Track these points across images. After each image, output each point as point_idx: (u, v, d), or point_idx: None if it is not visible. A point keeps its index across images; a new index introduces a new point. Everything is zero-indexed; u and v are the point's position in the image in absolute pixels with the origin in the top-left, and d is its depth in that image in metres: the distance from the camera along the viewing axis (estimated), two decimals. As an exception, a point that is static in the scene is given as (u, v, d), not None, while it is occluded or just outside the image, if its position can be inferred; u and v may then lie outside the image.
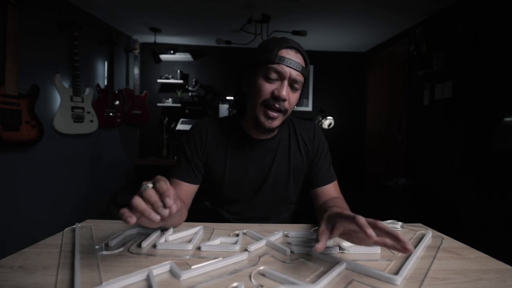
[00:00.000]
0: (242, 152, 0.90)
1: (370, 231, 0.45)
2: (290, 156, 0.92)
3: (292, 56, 0.77)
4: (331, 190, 0.91)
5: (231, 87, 3.90)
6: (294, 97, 0.81)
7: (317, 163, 0.93)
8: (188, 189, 0.86)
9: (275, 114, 0.80)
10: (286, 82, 0.77)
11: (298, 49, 0.79)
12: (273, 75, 0.77)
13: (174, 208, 0.49)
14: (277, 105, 0.78)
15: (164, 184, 0.51)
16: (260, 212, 0.93)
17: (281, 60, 0.76)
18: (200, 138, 0.89)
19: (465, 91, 2.27)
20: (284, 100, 0.78)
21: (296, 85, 0.79)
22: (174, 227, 0.74)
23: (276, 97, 0.78)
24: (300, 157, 0.93)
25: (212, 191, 0.95)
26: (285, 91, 0.77)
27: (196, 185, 0.88)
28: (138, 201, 0.48)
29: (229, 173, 0.89)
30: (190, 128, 0.93)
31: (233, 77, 3.88)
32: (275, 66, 0.76)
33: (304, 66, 0.80)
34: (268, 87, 0.78)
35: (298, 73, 0.78)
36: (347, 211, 0.54)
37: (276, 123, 0.82)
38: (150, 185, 0.52)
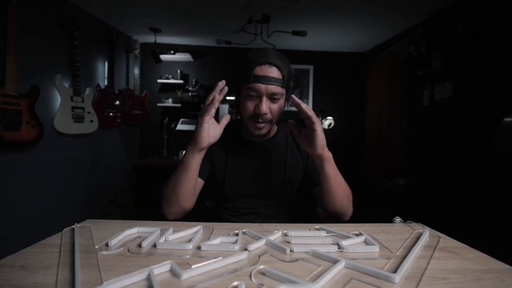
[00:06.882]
0: (241, 153, 0.99)
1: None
2: (286, 157, 1.00)
3: (266, 72, 0.84)
4: None
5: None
6: (276, 106, 0.89)
7: (313, 164, 0.97)
8: (198, 183, 0.93)
9: (261, 125, 0.89)
10: (264, 98, 0.85)
11: (272, 63, 0.84)
12: (252, 93, 0.85)
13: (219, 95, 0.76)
14: (260, 119, 0.88)
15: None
16: (260, 208, 0.99)
17: (256, 79, 0.83)
18: None
19: (465, 92, 2.27)
20: (265, 114, 0.86)
21: (275, 97, 0.86)
22: (184, 202, 0.86)
23: (257, 114, 0.86)
24: (295, 159, 1.01)
25: (215, 188, 1.03)
26: (264, 107, 0.85)
27: (203, 180, 0.96)
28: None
29: (230, 171, 0.98)
30: None
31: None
32: (252, 85, 0.84)
33: (280, 77, 0.85)
34: (250, 105, 0.87)
35: (274, 86, 0.84)
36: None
37: (264, 130, 0.91)
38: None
